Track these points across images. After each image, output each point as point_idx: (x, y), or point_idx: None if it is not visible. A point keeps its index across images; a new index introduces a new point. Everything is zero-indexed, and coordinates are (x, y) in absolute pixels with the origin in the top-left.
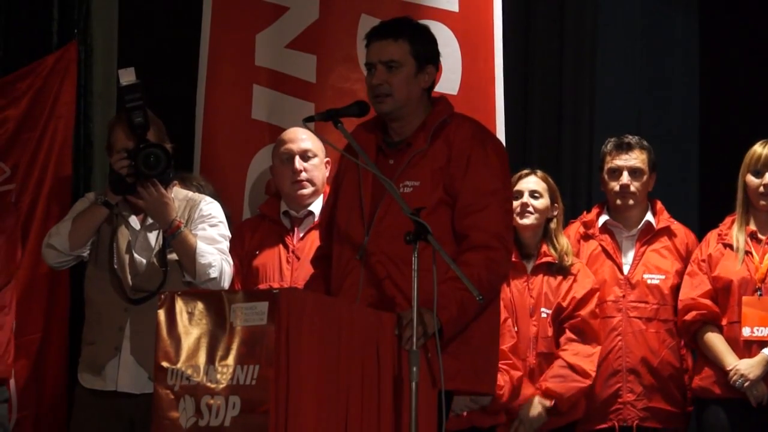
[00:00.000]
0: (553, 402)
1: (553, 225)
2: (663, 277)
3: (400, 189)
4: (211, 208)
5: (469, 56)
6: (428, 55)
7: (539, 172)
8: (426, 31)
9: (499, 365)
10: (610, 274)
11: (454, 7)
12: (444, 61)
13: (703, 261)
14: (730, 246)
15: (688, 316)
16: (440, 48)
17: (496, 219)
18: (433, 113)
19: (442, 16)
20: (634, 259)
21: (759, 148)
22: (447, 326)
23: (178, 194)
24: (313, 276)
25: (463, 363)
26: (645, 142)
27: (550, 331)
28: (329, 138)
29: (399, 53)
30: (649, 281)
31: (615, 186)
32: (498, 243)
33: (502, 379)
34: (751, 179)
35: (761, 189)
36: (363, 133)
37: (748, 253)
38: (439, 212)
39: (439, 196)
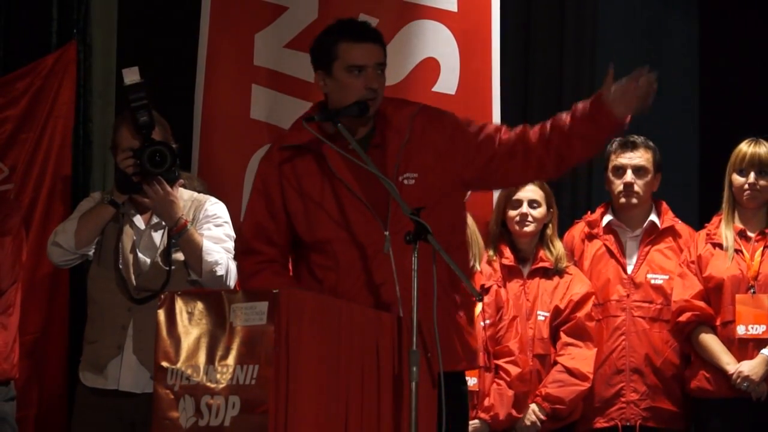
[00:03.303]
0: (551, 409)
1: (549, 231)
2: (667, 277)
3: (403, 182)
4: (216, 208)
5: (467, 56)
6: None
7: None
8: None
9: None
10: (614, 273)
11: (453, 6)
12: (442, 60)
13: (693, 262)
14: (720, 245)
15: (682, 318)
16: (439, 48)
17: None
18: (390, 106)
19: (441, 15)
20: (638, 259)
21: (745, 147)
22: None
23: (183, 194)
24: (275, 272)
25: (453, 345)
26: (651, 143)
27: (546, 333)
28: None
29: (384, 56)
30: (653, 281)
31: (619, 184)
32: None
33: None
34: (736, 178)
35: (745, 188)
36: (311, 141)
37: (738, 251)
38: (443, 202)
39: (441, 188)
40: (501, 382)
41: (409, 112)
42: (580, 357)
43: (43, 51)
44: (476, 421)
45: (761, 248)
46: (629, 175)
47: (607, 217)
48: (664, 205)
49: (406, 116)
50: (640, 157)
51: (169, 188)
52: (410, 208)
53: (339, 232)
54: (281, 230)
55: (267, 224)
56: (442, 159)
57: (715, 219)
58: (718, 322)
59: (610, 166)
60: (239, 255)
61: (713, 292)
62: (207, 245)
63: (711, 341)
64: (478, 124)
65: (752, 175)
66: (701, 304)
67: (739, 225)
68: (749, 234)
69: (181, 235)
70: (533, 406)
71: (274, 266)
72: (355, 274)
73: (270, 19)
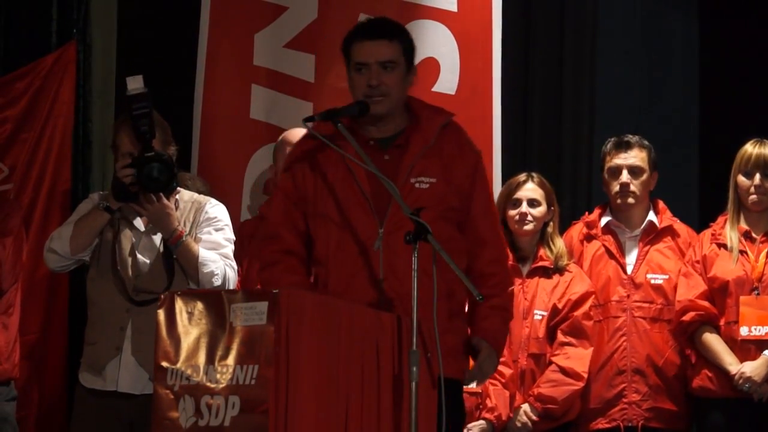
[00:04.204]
0: (542, 409)
1: (549, 228)
2: (666, 277)
3: (415, 185)
4: (216, 210)
5: (467, 56)
6: (413, 56)
7: (536, 177)
8: (408, 33)
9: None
10: (614, 274)
11: (453, 6)
12: (442, 60)
13: (697, 262)
14: (724, 246)
15: (686, 317)
16: (438, 48)
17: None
18: (425, 110)
19: (441, 15)
20: (637, 259)
21: (750, 148)
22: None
23: (183, 195)
24: (289, 269)
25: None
26: (645, 142)
27: (541, 333)
28: None
29: (395, 53)
30: (652, 281)
31: (615, 185)
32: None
33: (495, 399)
34: (741, 180)
35: (752, 190)
36: (334, 135)
37: (742, 252)
38: (450, 214)
39: (452, 199)
40: (497, 383)
41: (441, 121)
42: (575, 356)
43: (43, 51)
44: (482, 421)
45: (766, 250)
46: (625, 176)
47: (606, 218)
48: (661, 204)
49: (437, 123)
50: (635, 156)
51: (165, 201)
52: (410, 208)
53: (338, 225)
54: (304, 217)
55: (292, 210)
56: (451, 178)
57: (720, 219)
58: (721, 322)
59: (605, 168)
60: (263, 239)
61: (718, 292)
62: (203, 255)
63: (714, 341)
64: (484, 196)
65: (757, 177)
66: (705, 303)
67: (744, 226)
68: (754, 235)
69: (177, 246)
70: (525, 406)
71: (291, 260)
72: (346, 270)
73: (270, 19)
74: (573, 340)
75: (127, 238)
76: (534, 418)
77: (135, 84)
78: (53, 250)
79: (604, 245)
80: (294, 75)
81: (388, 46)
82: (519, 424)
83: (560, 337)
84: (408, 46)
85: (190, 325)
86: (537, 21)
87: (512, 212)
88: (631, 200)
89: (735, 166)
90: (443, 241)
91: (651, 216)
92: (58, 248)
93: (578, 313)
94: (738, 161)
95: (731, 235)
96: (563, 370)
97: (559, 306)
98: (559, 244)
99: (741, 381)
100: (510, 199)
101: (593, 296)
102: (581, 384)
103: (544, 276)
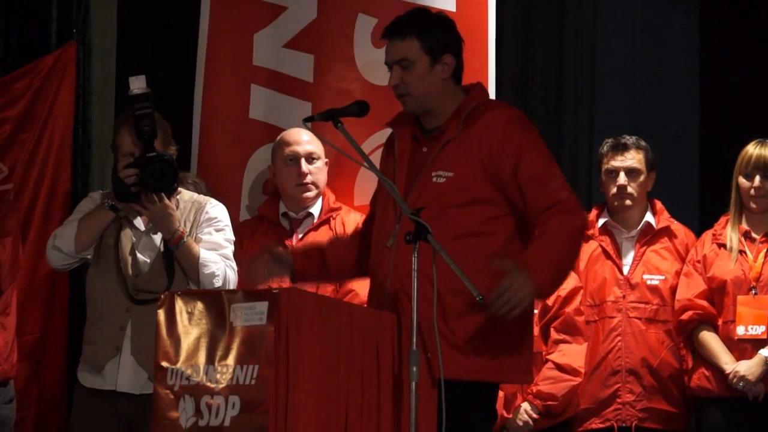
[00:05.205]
0: (543, 406)
1: None
2: (663, 278)
3: (432, 178)
4: (216, 211)
5: (465, 56)
6: (442, 45)
7: None
8: (438, 21)
9: None
10: (610, 274)
11: (451, 6)
12: None
13: (698, 262)
14: (724, 246)
15: (684, 316)
16: None
17: (564, 187)
18: (466, 100)
19: None
20: (633, 260)
21: (751, 149)
22: (545, 290)
23: (183, 195)
24: (335, 242)
25: (495, 355)
26: (642, 142)
27: (535, 331)
28: (325, 136)
29: (409, 52)
30: (648, 282)
31: (612, 187)
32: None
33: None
34: (742, 181)
35: (752, 192)
36: (399, 122)
37: (741, 252)
38: (472, 208)
39: (475, 192)
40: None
41: (465, 110)
42: (571, 352)
43: (43, 51)
44: None
45: (765, 250)
46: (622, 178)
47: (603, 218)
48: (659, 205)
49: (462, 113)
50: (632, 158)
51: (167, 201)
52: (429, 202)
53: (378, 219)
54: None
55: (372, 203)
56: (482, 164)
57: (722, 219)
58: (719, 322)
59: (602, 169)
60: None
61: (716, 292)
62: (204, 256)
63: (711, 340)
64: (544, 168)
65: (757, 178)
66: (704, 303)
67: (745, 226)
68: (754, 235)
69: (178, 246)
70: (524, 405)
71: (343, 239)
72: (373, 267)
73: (269, 19)
74: (567, 337)
75: (127, 238)
76: (534, 416)
77: (138, 84)
78: (57, 248)
79: (600, 246)
80: (293, 75)
81: (401, 46)
82: (520, 423)
83: (554, 334)
84: (429, 39)
85: (190, 325)
86: (537, 21)
87: None
88: (628, 202)
89: (737, 167)
90: (465, 234)
91: (648, 217)
92: (62, 246)
93: (569, 309)
94: (739, 162)
95: (731, 236)
96: (560, 367)
97: (549, 303)
98: None
99: (735, 380)
100: None
101: (581, 291)
102: (579, 379)
103: None
